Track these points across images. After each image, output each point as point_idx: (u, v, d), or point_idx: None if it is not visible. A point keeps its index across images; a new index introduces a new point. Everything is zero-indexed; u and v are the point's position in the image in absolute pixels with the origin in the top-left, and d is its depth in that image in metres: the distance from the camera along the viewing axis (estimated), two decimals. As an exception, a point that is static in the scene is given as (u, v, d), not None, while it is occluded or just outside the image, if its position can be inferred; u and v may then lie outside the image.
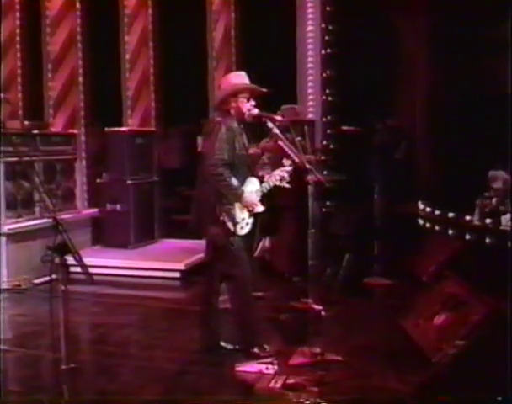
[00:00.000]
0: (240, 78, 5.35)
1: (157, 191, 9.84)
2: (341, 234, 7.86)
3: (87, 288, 6.91)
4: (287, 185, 5.38)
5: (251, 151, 5.60)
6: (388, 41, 8.35)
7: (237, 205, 5.14)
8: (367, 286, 7.38)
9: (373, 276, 7.54)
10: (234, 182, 5.11)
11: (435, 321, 5.40)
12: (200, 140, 5.78)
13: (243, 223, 5.20)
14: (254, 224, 5.30)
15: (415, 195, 7.60)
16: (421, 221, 7.28)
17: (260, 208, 5.29)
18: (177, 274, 8.24)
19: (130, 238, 9.28)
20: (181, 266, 8.27)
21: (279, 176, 5.35)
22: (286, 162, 5.36)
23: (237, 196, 5.12)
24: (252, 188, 5.26)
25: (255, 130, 5.60)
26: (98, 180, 9.56)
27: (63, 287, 4.09)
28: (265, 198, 5.33)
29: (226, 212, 5.10)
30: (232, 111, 5.25)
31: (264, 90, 5.33)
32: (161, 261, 8.56)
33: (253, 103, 5.27)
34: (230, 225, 5.10)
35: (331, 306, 6.03)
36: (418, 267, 6.96)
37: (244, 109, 5.24)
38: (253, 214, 5.25)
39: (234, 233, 5.13)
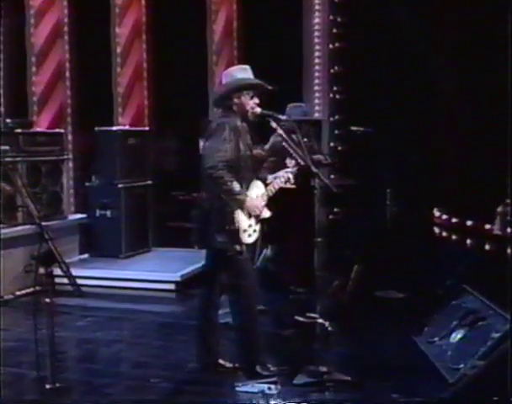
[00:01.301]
0: (245, 73, 5.34)
1: (151, 195, 9.83)
2: (350, 243, 7.85)
3: (74, 300, 6.94)
4: (292, 186, 5.38)
5: (254, 151, 5.60)
6: (401, 34, 8.33)
7: (243, 211, 5.13)
8: (378, 300, 7.36)
9: (385, 289, 7.51)
10: (236, 186, 5.07)
11: (452, 339, 5.39)
12: (201, 141, 5.76)
13: (251, 230, 5.20)
14: (262, 230, 5.29)
15: (430, 201, 7.58)
16: (437, 230, 7.26)
17: (267, 213, 5.29)
18: (172, 286, 8.23)
19: (121, 247, 9.27)
20: (177, 277, 8.27)
21: (283, 178, 5.36)
22: (290, 162, 5.36)
23: (240, 202, 5.10)
24: (257, 192, 5.26)
25: (259, 129, 5.59)
26: (86, 183, 9.56)
27: (48, 299, 4.08)
28: (271, 202, 5.32)
29: (233, 219, 5.08)
30: (235, 108, 5.24)
31: (270, 87, 5.32)
32: (155, 272, 8.56)
33: (256, 100, 5.27)
34: (237, 232, 5.09)
35: (339, 321, 6.03)
36: (433, 279, 6.94)
37: (248, 107, 5.24)
38: (259, 220, 5.25)
39: (241, 241, 5.12)
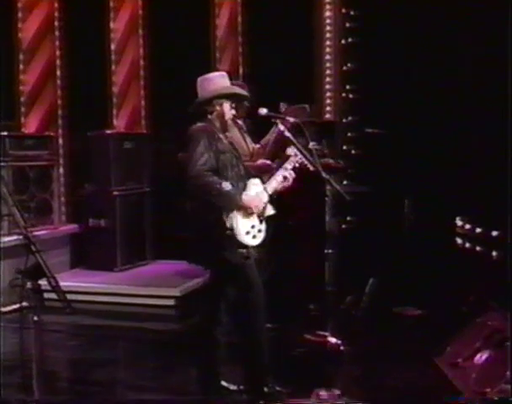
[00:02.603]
0: (223, 80, 5.44)
1: (148, 204, 9.87)
2: (364, 255, 7.82)
3: (64, 318, 6.89)
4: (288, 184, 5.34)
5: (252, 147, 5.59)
6: (419, 28, 8.31)
7: (240, 212, 5.09)
8: (395, 316, 7.35)
9: (402, 305, 7.50)
10: (226, 186, 5.06)
11: (477, 360, 5.37)
12: (180, 154, 5.82)
13: (255, 231, 5.15)
14: (267, 231, 5.24)
15: (452, 210, 7.55)
16: (459, 240, 7.24)
17: (271, 210, 5.25)
18: (171, 302, 8.25)
19: (116, 259, 9.30)
20: (176, 292, 8.29)
21: (281, 176, 5.32)
22: (291, 150, 5.33)
23: (235, 200, 5.08)
24: (256, 190, 5.23)
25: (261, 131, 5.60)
26: (79, 191, 9.56)
27: (36, 317, 4.05)
28: (274, 201, 5.28)
29: (232, 221, 5.06)
30: (214, 115, 5.31)
31: (247, 95, 5.60)
32: (153, 286, 8.58)
33: (233, 111, 5.37)
34: (239, 236, 5.06)
35: (352, 340, 6.01)
36: (455, 295, 6.92)
37: (227, 116, 5.33)
38: (263, 219, 5.21)
39: (246, 245, 5.09)
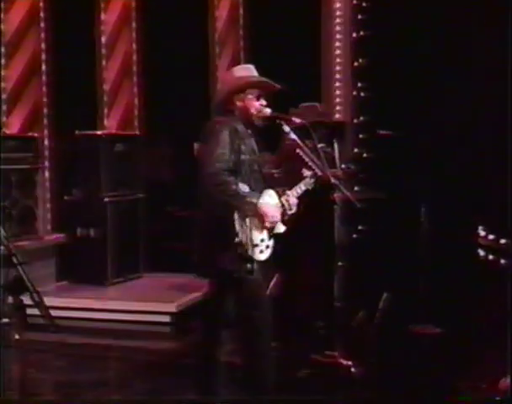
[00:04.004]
0: (247, 71, 5.38)
1: (142, 211, 9.86)
2: (377, 267, 7.81)
3: (49, 336, 6.89)
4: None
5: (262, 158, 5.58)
6: (439, 21, 8.30)
7: (253, 222, 5.09)
8: (412, 335, 7.32)
9: (420, 322, 7.48)
10: (244, 188, 5.06)
11: (501, 385, 5.33)
12: (196, 146, 5.76)
13: (263, 246, 5.14)
14: (275, 248, 5.23)
15: (474, 219, 7.54)
16: (482, 252, 7.22)
17: (281, 228, 5.25)
18: (167, 318, 8.23)
19: (107, 272, 9.30)
20: (172, 308, 8.27)
21: (300, 189, 5.33)
22: (306, 172, 5.33)
23: (252, 205, 5.06)
24: (269, 201, 5.21)
25: (268, 136, 5.57)
26: (65, 197, 9.56)
27: (17, 335, 4.04)
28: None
29: (241, 232, 5.05)
30: (237, 112, 5.26)
31: (278, 86, 5.34)
32: (147, 301, 8.57)
33: (263, 102, 5.28)
34: (247, 248, 5.05)
35: (364, 361, 5.98)
36: (477, 312, 6.89)
37: (253, 110, 5.25)
38: (273, 234, 5.20)
39: (252, 259, 5.07)
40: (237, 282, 5.11)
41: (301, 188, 5.36)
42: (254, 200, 5.08)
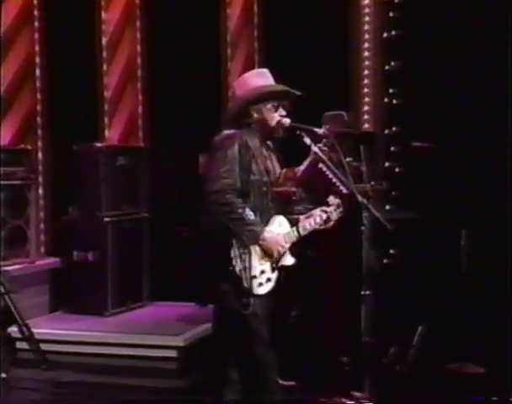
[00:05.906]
0: (263, 77, 5.37)
1: (146, 232, 9.88)
2: (411, 297, 7.78)
3: (41, 373, 6.90)
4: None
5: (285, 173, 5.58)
6: (480, 20, 8.29)
7: (255, 251, 5.08)
8: (451, 375, 7.29)
9: (460, 360, 7.44)
10: (250, 214, 5.05)
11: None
12: (201, 159, 5.77)
13: (263, 278, 5.12)
14: (279, 281, 5.21)
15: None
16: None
17: (290, 260, 5.22)
18: (173, 353, 8.24)
19: (107, 301, 9.33)
20: (179, 341, 8.27)
21: (320, 217, 5.28)
22: (333, 200, 5.30)
23: (255, 234, 5.06)
24: (278, 231, 5.19)
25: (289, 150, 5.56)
26: (61, 216, 9.58)
27: (4, 374, 4.05)
28: (296, 246, 5.25)
29: (239, 259, 5.03)
30: (254, 125, 5.26)
31: (299, 93, 5.33)
32: (151, 334, 8.57)
33: (283, 112, 5.28)
34: (243, 279, 5.03)
35: (395, 403, 5.95)
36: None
37: (273, 122, 5.25)
38: (278, 267, 5.17)
39: (249, 292, 5.05)
40: (233, 316, 5.11)
41: (321, 217, 5.30)
42: (259, 230, 5.07)
